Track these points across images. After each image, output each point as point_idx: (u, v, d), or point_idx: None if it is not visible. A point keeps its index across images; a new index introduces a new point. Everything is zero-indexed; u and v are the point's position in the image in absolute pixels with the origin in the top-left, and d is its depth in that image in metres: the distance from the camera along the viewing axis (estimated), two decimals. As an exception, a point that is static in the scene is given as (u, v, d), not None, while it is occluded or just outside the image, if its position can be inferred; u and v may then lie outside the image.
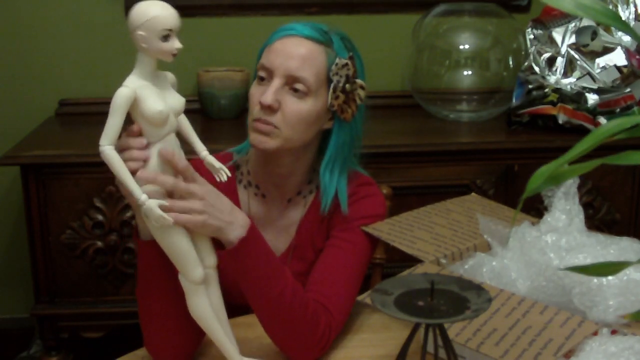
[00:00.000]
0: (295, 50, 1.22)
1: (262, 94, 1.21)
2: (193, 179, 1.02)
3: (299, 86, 1.21)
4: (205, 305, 1.03)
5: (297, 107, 1.22)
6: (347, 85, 1.25)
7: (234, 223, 1.06)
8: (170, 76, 1.00)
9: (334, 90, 1.24)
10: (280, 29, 1.26)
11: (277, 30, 1.26)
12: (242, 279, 1.09)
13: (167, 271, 1.06)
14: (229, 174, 1.06)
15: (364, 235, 1.29)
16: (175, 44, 0.93)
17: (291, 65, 1.21)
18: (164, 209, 0.96)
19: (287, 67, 1.21)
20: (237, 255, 1.06)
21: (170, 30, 0.92)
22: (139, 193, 0.95)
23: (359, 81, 1.27)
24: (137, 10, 0.92)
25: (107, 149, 0.92)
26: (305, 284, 1.23)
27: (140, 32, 0.91)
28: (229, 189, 1.33)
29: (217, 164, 1.06)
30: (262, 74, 1.24)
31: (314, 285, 1.22)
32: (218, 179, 1.06)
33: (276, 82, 1.21)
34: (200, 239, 1.04)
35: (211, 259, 1.05)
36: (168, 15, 0.92)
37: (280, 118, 1.21)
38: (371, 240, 1.31)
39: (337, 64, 1.23)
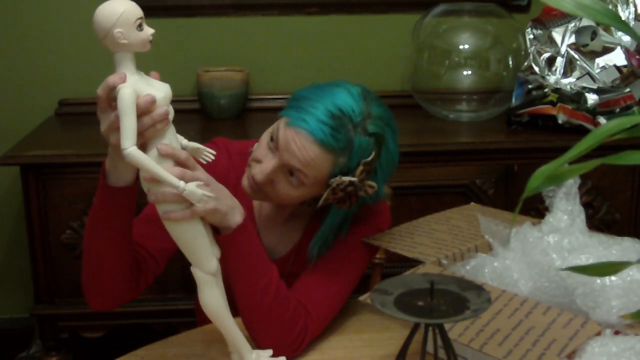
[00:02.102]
0: (301, 153, 1.13)
1: (263, 161, 1.17)
2: (195, 168, 1.03)
3: (296, 175, 1.15)
4: (218, 296, 1.05)
5: (288, 191, 1.18)
6: (350, 188, 1.16)
7: (235, 208, 1.07)
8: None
9: (332, 190, 1.16)
10: (301, 112, 1.14)
11: (298, 112, 1.14)
12: (232, 266, 1.11)
13: (125, 219, 1.09)
14: (214, 152, 1.08)
15: (362, 248, 1.28)
16: (149, 30, 0.95)
17: (293, 163, 1.14)
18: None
19: (289, 161, 1.14)
20: (232, 241, 1.08)
21: (141, 18, 0.94)
22: (177, 182, 0.96)
23: (368, 183, 1.17)
24: (104, 12, 0.93)
25: (133, 150, 0.93)
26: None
27: (118, 30, 0.92)
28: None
29: (199, 145, 1.07)
30: (273, 135, 1.18)
31: (302, 286, 1.22)
32: (204, 160, 1.08)
33: (273, 164, 1.15)
34: (208, 230, 1.05)
35: (218, 251, 1.06)
36: (133, 5, 0.94)
37: (270, 190, 1.18)
38: (369, 254, 1.31)
39: (337, 181, 1.14)
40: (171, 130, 1.01)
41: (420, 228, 1.37)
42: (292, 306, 1.16)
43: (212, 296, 1.04)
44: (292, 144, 1.13)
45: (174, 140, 1.01)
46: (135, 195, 1.06)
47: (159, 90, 0.97)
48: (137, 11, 0.93)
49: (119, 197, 1.06)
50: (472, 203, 1.55)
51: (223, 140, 1.36)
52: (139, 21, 0.93)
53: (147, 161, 0.95)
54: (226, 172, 1.30)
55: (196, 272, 1.04)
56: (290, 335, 1.15)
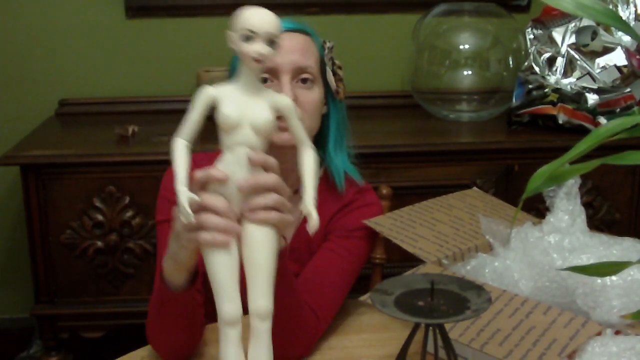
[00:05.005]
0: (293, 44, 1.23)
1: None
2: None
3: (306, 76, 1.24)
4: (232, 355, 0.85)
5: (311, 97, 1.24)
6: (335, 67, 1.31)
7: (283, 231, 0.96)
8: (282, 102, 0.90)
9: (333, 73, 1.29)
10: None
11: None
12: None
13: (188, 312, 1.08)
14: (317, 227, 0.90)
15: (360, 245, 1.30)
16: (256, 46, 0.85)
17: (295, 58, 1.23)
18: (248, 209, 0.88)
19: (293, 61, 1.22)
20: (283, 254, 0.99)
21: (252, 32, 0.85)
22: (182, 183, 0.85)
23: (338, 62, 1.32)
24: (239, 12, 0.88)
25: (176, 140, 0.87)
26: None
27: (229, 31, 0.88)
28: None
29: (312, 213, 0.90)
30: (263, 76, 1.22)
31: (304, 286, 1.21)
32: (309, 229, 0.91)
33: (286, 78, 1.22)
34: (259, 273, 0.86)
35: (263, 302, 0.85)
36: (255, 17, 0.86)
37: (302, 112, 1.22)
38: (367, 249, 1.32)
39: (328, 47, 1.27)
40: (241, 153, 0.88)
41: (422, 216, 1.37)
42: (305, 315, 1.14)
43: (222, 355, 0.85)
44: (282, 46, 1.21)
45: (237, 167, 0.88)
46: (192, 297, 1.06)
47: (237, 109, 0.87)
48: (251, 22, 0.85)
49: (180, 300, 1.05)
50: (474, 188, 1.55)
51: (200, 155, 1.34)
52: (247, 32, 0.85)
53: (177, 155, 0.86)
54: None
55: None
56: (303, 338, 1.14)
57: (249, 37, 0.85)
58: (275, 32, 0.86)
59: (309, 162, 0.92)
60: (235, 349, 0.85)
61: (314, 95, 1.25)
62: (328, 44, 1.28)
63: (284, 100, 0.91)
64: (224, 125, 0.88)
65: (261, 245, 0.87)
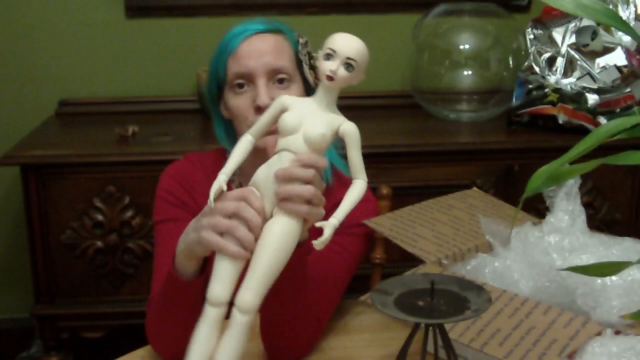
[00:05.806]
0: (265, 46, 1.24)
1: (254, 99, 1.22)
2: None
3: (282, 76, 1.23)
4: (203, 334, 0.88)
5: None
6: (312, 61, 1.29)
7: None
8: (346, 128, 0.93)
9: (310, 68, 1.27)
10: (235, 33, 1.27)
11: (232, 36, 1.27)
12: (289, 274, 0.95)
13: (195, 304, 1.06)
14: (323, 246, 0.91)
15: (356, 242, 1.29)
16: (331, 65, 0.91)
17: (268, 60, 1.22)
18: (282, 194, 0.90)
19: (266, 63, 1.22)
20: (303, 250, 0.98)
21: (333, 51, 0.91)
22: (224, 172, 0.92)
23: (315, 54, 1.32)
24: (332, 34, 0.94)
25: (245, 135, 0.95)
26: None
27: (321, 49, 0.93)
28: None
29: (327, 233, 0.91)
30: (239, 81, 1.24)
31: None
32: (314, 244, 0.92)
33: (261, 82, 1.22)
34: (258, 270, 0.87)
35: (248, 298, 0.86)
36: (340, 40, 0.92)
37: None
38: (363, 248, 1.31)
39: (301, 43, 1.24)
40: (285, 158, 0.91)
41: (422, 216, 1.37)
42: (309, 315, 1.14)
43: (197, 326, 0.89)
44: (254, 49, 1.23)
45: (271, 171, 0.91)
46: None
47: (298, 119, 0.91)
48: (334, 41, 0.92)
49: (191, 289, 1.05)
50: (474, 188, 1.55)
51: (195, 155, 1.37)
52: (328, 50, 0.92)
53: (235, 150, 0.93)
54: (204, 185, 1.26)
55: None
56: (301, 341, 1.14)
57: (330, 55, 0.92)
58: (354, 57, 0.92)
59: (353, 192, 0.94)
60: (208, 328, 0.88)
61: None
62: (301, 40, 1.27)
63: (350, 127, 0.93)
64: (280, 128, 0.92)
65: (275, 242, 0.89)
